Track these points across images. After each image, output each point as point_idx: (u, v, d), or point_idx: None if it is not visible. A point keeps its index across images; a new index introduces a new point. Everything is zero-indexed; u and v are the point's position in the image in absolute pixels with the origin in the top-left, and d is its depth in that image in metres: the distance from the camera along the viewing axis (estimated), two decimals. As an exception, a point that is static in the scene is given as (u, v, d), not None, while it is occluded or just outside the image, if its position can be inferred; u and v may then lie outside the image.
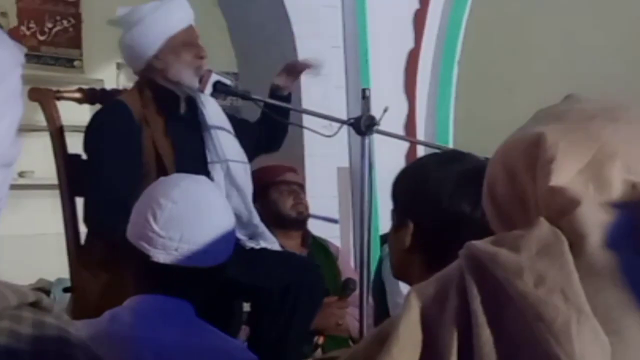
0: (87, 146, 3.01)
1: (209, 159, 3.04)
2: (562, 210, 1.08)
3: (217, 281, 2.06)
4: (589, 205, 1.08)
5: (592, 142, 1.12)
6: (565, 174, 1.10)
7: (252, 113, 3.71)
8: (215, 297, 2.17)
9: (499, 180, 1.18)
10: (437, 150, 4.24)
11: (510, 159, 1.17)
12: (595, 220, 1.07)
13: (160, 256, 1.96)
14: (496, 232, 1.18)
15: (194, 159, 3.01)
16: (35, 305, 1.05)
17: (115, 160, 2.89)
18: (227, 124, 3.16)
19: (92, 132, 3.00)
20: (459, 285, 1.06)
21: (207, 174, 2.95)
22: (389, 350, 1.05)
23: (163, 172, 2.90)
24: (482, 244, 1.08)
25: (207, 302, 2.05)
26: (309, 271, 3.09)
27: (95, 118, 3.03)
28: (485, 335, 1.01)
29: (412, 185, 1.74)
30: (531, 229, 1.07)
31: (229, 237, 2.05)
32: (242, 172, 3.11)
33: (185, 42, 3.03)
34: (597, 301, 1.01)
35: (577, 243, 1.06)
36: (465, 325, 1.03)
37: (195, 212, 1.99)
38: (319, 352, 3.50)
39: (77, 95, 3.25)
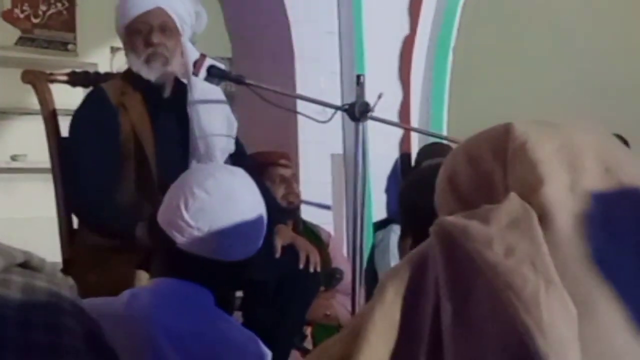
0: (69, 134, 3.07)
1: (191, 142, 3.02)
2: (531, 188, 1.11)
3: (239, 274, 2.06)
4: (556, 186, 1.11)
5: (561, 135, 1.16)
6: (541, 151, 1.13)
7: (246, 98, 3.70)
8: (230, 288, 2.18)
9: (462, 170, 1.20)
10: (431, 138, 4.26)
11: (474, 150, 1.20)
12: (560, 199, 1.10)
13: (187, 245, 1.96)
14: None
15: (176, 143, 3.00)
16: (25, 265, 1.01)
17: (90, 147, 2.92)
18: (215, 99, 3.11)
19: (71, 121, 3.04)
20: (434, 262, 1.07)
21: (188, 157, 2.97)
22: (367, 337, 1.06)
23: (143, 156, 2.91)
24: (453, 218, 1.10)
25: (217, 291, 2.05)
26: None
27: (76, 110, 3.06)
28: (451, 307, 1.03)
29: (411, 199, 1.81)
30: (502, 203, 1.09)
31: (257, 233, 2.04)
32: (224, 144, 3.06)
33: (136, 30, 3.03)
34: (566, 274, 1.03)
35: (545, 219, 1.08)
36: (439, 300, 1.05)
37: (227, 206, 1.98)
38: (308, 341, 3.49)
39: (71, 78, 3.24)
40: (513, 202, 1.09)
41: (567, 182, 1.11)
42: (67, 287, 1.04)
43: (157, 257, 2.06)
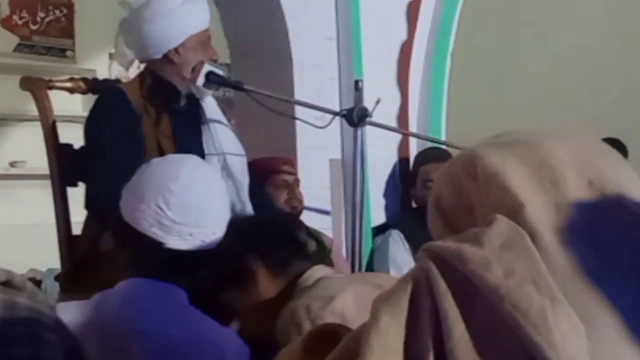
0: (86, 136, 3.02)
1: (206, 151, 3.05)
2: (512, 211, 1.10)
3: (214, 263, 2.05)
4: (537, 206, 1.10)
5: (535, 153, 1.14)
6: (517, 177, 1.12)
7: (244, 104, 3.70)
8: (208, 286, 2.16)
9: (445, 193, 1.20)
10: (429, 143, 4.26)
11: (453, 171, 1.19)
12: (545, 220, 1.09)
13: (176, 243, 1.95)
14: None
15: (192, 151, 3.00)
16: (6, 284, 1.02)
17: (115, 148, 2.89)
18: (224, 118, 3.18)
19: (90, 121, 3.01)
20: (427, 286, 1.05)
21: None
22: None
23: None
24: (443, 243, 1.09)
25: (201, 291, 2.04)
26: None
27: (93, 107, 3.04)
28: (457, 332, 1.01)
29: None
30: (490, 225, 1.08)
31: (227, 215, 2.06)
32: (239, 164, 3.11)
33: (204, 42, 3.06)
34: (564, 291, 1.02)
35: (533, 239, 1.07)
36: (439, 326, 1.03)
37: (203, 195, 1.99)
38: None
39: (69, 85, 3.24)
40: (502, 224, 1.08)
41: (551, 200, 1.10)
42: (47, 306, 1.05)
43: (126, 258, 2.02)
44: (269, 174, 3.67)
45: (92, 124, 3.01)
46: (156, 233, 1.95)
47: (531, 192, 1.11)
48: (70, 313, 1.87)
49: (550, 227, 1.08)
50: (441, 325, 1.02)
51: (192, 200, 1.96)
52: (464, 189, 1.17)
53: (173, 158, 2.21)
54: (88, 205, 2.95)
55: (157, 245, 1.95)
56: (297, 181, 3.79)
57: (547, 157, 1.13)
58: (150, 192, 1.97)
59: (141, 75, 3.09)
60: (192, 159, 2.13)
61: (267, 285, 2.01)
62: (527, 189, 1.11)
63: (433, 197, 1.23)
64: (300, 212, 3.77)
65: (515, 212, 1.10)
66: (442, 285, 1.04)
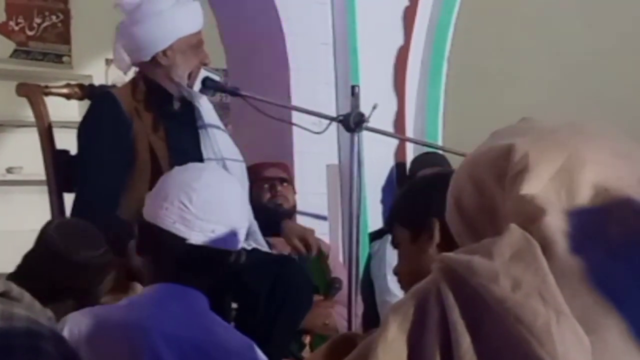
0: (78, 143, 3.03)
1: (205, 156, 3.04)
2: (531, 218, 1.10)
3: (235, 266, 2.14)
4: (555, 213, 1.10)
5: (562, 149, 1.14)
6: (538, 182, 1.12)
7: (241, 109, 3.70)
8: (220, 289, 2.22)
9: (467, 193, 1.20)
10: (426, 148, 4.26)
11: (477, 172, 1.19)
12: (560, 227, 1.09)
13: (198, 238, 2.02)
14: (463, 244, 1.20)
15: (189, 155, 3.00)
16: (4, 295, 1.02)
17: (102, 160, 2.90)
18: (220, 123, 3.17)
19: (81, 128, 3.02)
20: (437, 297, 1.06)
21: None
22: None
23: (157, 167, 2.90)
24: (454, 254, 1.10)
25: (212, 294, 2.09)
26: (296, 273, 3.08)
27: (85, 114, 3.04)
28: (465, 343, 1.02)
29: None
30: (502, 235, 1.08)
31: (246, 220, 2.17)
32: (238, 169, 3.10)
33: (194, 46, 3.04)
34: (574, 303, 1.02)
35: (547, 248, 1.07)
36: (447, 337, 1.04)
37: (224, 194, 2.09)
38: (306, 351, 3.49)
39: (66, 91, 3.24)
40: (514, 234, 1.08)
41: (563, 211, 1.10)
42: (45, 317, 1.05)
43: (151, 263, 2.10)
44: (253, 180, 3.64)
45: (83, 131, 3.03)
46: (179, 229, 2.02)
47: (552, 197, 1.11)
48: (97, 317, 1.92)
49: (566, 233, 1.08)
50: (449, 337, 1.03)
51: (213, 198, 2.05)
52: (487, 190, 1.16)
53: (194, 165, 2.34)
54: (74, 213, 2.97)
55: (179, 243, 2.02)
56: (282, 180, 3.77)
57: (573, 157, 1.13)
58: (173, 191, 2.06)
59: (134, 79, 3.09)
60: (211, 165, 2.33)
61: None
62: (549, 193, 1.11)
63: (453, 195, 1.22)
64: (289, 210, 3.75)
65: (536, 218, 1.10)
66: (450, 298, 1.05)
